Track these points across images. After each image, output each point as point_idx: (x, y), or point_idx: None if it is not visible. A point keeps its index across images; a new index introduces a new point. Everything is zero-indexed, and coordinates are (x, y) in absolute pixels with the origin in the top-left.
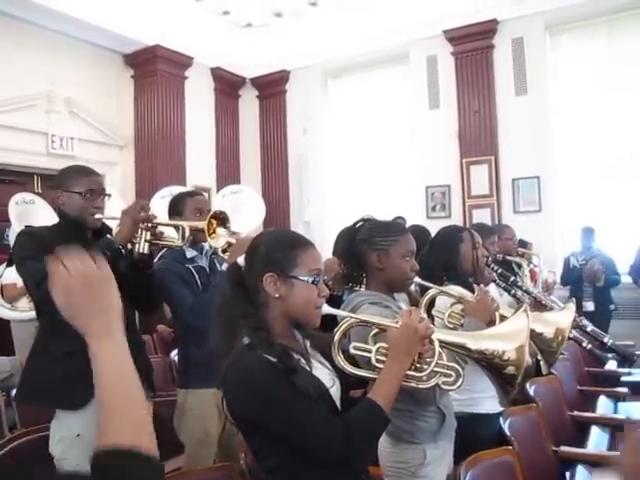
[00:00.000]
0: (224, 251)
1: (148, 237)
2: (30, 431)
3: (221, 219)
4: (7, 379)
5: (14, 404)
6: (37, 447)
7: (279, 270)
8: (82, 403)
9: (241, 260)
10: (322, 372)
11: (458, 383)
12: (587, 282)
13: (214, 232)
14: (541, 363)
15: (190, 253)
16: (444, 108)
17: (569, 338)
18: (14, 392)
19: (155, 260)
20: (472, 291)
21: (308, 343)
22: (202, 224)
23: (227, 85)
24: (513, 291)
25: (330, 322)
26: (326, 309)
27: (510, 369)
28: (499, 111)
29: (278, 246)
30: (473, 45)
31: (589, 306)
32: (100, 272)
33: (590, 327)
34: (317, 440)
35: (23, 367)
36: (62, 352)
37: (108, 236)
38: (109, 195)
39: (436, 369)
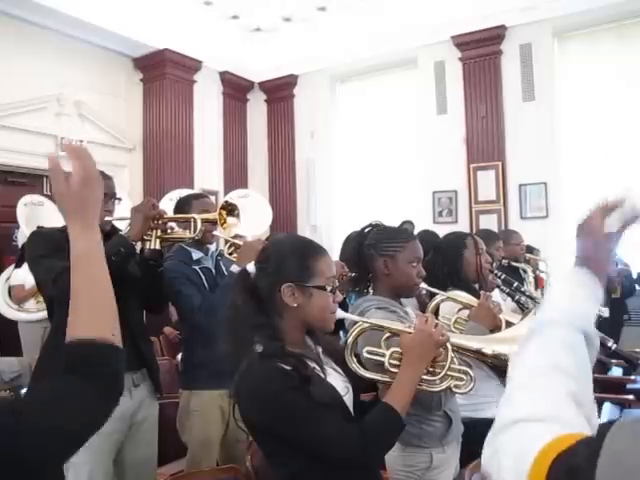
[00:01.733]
0: (230, 253)
1: (159, 233)
2: None
3: (229, 210)
4: (15, 379)
5: None
6: None
7: (297, 280)
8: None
9: (251, 267)
10: (336, 379)
11: (469, 387)
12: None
13: (225, 222)
14: None
15: (196, 254)
16: (452, 113)
17: None
18: (22, 392)
19: None
20: (478, 297)
21: (320, 350)
22: (213, 215)
23: (235, 89)
24: (517, 296)
25: (336, 325)
26: (340, 314)
27: None
28: (506, 117)
29: (293, 255)
30: (481, 51)
31: (604, 312)
32: (95, 173)
33: None
34: (334, 446)
35: (35, 366)
36: None
37: (121, 233)
38: (119, 199)
39: (449, 373)
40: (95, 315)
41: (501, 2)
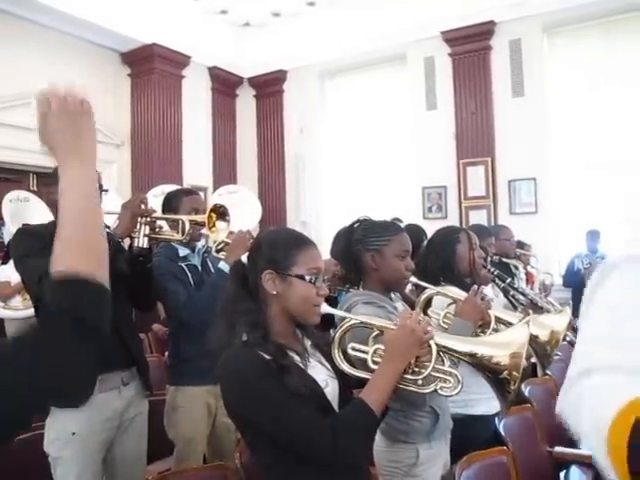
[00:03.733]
0: (218, 251)
1: (147, 231)
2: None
3: (220, 213)
4: None
5: None
6: (32, 445)
7: (277, 268)
8: (80, 402)
9: (244, 258)
10: (319, 372)
11: (457, 389)
12: None
13: (214, 226)
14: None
15: (183, 251)
16: (441, 109)
17: (567, 342)
18: None
19: None
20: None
21: (309, 342)
22: (202, 217)
23: (224, 84)
24: (512, 292)
25: (328, 322)
26: (325, 308)
27: (505, 374)
28: (496, 112)
29: (278, 244)
30: (470, 46)
31: None
32: (80, 104)
33: None
34: (303, 439)
35: None
36: None
37: (108, 230)
38: (106, 190)
39: (434, 374)
40: (88, 249)
41: None
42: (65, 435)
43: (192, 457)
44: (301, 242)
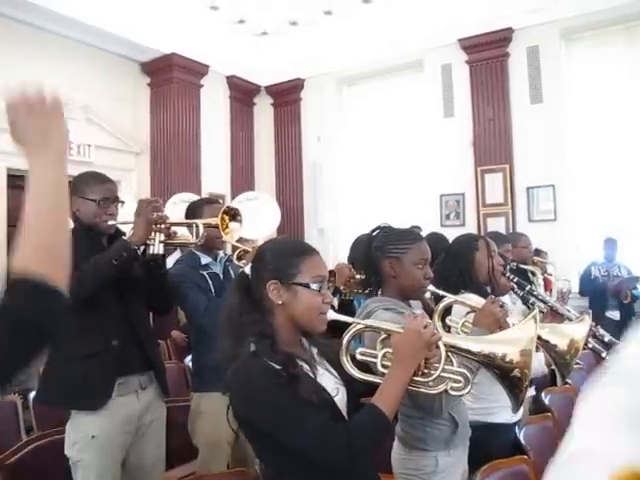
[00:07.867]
0: (239, 258)
1: (162, 238)
2: (47, 434)
3: (232, 215)
4: (23, 382)
5: (31, 407)
6: (54, 450)
7: (282, 278)
8: (99, 405)
9: (248, 269)
10: (327, 380)
11: (467, 389)
12: (612, 297)
13: (227, 227)
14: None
15: (205, 260)
16: (459, 116)
17: (589, 349)
18: (31, 395)
19: (170, 266)
20: None
21: (315, 350)
22: (215, 220)
23: (242, 93)
24: (532, 300)
25: (337, 328)
26: (331, 315)
27: (516, 372)
28: (514, 119)
29: (281, 254)
30: (488, 53)
31: (615, 315)
32: (49, 105)
33: (607, 337)
34: (317, 445)
35: (42, 370)
36: (80, 355)
37: (124, 237)
38: (122, 202)
39: (444, 374)
40: (47, 250)
41: (508, 4)
42: (85, 438)
43: (216, 463)
44: (304, 251)
